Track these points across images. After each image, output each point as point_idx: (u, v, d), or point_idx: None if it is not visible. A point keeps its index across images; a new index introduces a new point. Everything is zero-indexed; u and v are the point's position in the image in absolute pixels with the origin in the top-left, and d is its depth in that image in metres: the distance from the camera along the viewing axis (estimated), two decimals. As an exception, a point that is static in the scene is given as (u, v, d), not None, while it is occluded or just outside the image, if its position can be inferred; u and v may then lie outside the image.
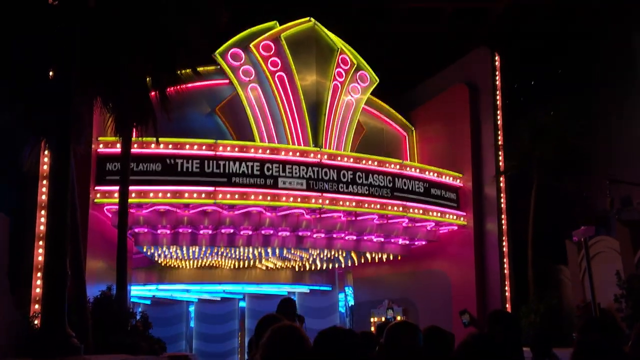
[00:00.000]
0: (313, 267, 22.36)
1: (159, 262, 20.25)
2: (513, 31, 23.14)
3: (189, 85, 16.93)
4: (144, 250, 17.64)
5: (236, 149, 15.66)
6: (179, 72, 11.79)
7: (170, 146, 15.17)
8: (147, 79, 11.42)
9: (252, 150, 15.83)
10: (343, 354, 3.17)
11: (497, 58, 19.57)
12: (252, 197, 15.41)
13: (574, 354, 3.46)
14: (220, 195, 15.13)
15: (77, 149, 10.18)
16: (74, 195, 10.22)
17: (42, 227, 11.61)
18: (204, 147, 15.35)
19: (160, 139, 14.84)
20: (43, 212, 12.10)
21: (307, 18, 18.44)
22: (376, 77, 19.41)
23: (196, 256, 19.70)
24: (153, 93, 12.20)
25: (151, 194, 14.80)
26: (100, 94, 10.47)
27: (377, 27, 22.96)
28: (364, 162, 17.08)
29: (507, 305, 18.05)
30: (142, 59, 10.38)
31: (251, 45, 17.55)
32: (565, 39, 22.45)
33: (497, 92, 19.30)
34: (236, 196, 15.29)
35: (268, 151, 15.95)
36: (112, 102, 10.89)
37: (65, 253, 6.61)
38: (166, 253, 18.79)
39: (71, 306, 10.26)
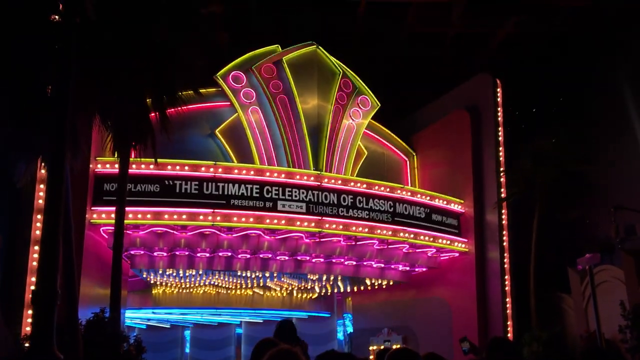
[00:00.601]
0: (311, 293, 22.03)
1: (155, 285, 19.94)
2: (514, 58, 23.17)
3: (190, 106, 16.95)
4: (140, 272, 17.35)
5: (235, 171, 15.48)
6: (178, 91, 11.63)
7: (169, 167, 14.99)
8: (147, 99, 11.27)
9: (252, 172, 15.65)
10: None
11: (498, 84, 19.57)
12: (251, 219, 15.18)
13: None
14: (218, 218, 14.91)
15: (74, 166, 10.02)
16: (68, 214, 10.01)
17: (36, 247, 11.43)
18: (202, 169, 15.18)
19: (160, 160, 14.71)
20: (38, 231, 11.94)
21: (310, 42, 18.46)
22: (377, 102, 19.36)
23: (192, 280, 19.40)
24: (153, 114, 12.08)
25: (149, 215, 14.58)
26: (98, 111, 10.33)
27: (379, 52, 22.99)
28: (364, 186, 16.88)
29: (509, 334, 17.71)
30: (140, 77, 10.27)
31: (253, 68, 17.52)
32: (566, 65, 22.47)
33: (499, 118, 19.24)
34: (234, 218, 15.07)
35: (267, 174, 15.78)
36: (110, 120, 10.75)
37: (55, 273, 6.38)
38: (162, 276, 18.50)
39: (63, 328, 10.01)
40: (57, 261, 6.45)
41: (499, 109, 19.27)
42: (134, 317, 22.67)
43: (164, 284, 19.24)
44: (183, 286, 19.80)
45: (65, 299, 10.04)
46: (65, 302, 10.03)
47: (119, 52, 9.96)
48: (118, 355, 10.25)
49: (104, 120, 10.80)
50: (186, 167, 15.08)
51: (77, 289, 10.55)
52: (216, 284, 19.88)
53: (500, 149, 18.98)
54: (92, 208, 14.43)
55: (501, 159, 18.92)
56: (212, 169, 15.17)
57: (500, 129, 19.12)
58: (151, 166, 14.73)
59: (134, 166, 14.61)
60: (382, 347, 19.28)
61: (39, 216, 12.14)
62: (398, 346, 19.47)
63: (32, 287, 11.11)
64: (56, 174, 6.88)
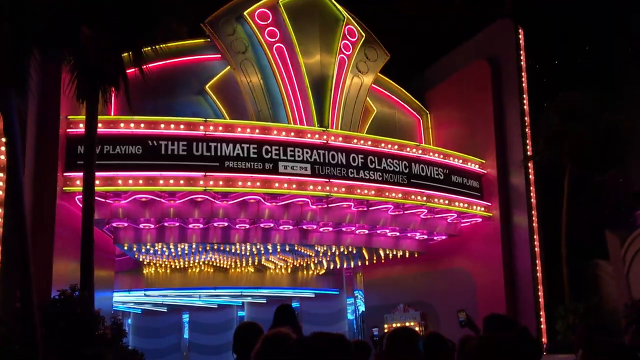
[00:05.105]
0: (319, 268, 20.21)
1: (145, 263, 18.05)
2: (534, 4, 21.07)
3: (176, 59, 15.09)
4: (125, 248, 15.48)
5: (229, 129, 13.52)
6: (156, 22, 9.63)
7: (152, 125, 13.04)
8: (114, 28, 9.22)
9: (248, 130, 13.69)
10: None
11: (520, 31, 17.54)
12: (249, 183, 13.26)
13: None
14: (211, 182, 12.97)
15: (23, 109, 8.11)
16: (17, 171, 8.08)
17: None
18: (191, 127, 13.22)
19: (142, 117, 12.94)
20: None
21: (309, -16, 16.36)
22: (387, 52, 17.36)
23: (186, 255, 17.50)
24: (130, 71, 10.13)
25: (130, 181, 12.64)
26: (52, 42, 8.33)
27: (387, 5, 20.90)
28: (396, 147, 15.03)
29: (541, 307, 15.94)
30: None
31: (245, 14, 15.45)
32: (593, 15, 20.45)
33: (522, 69, 17.26)
34: (230, 183, 13.14)
35: (266, 131, 13.82)
36: (73, 55, 8.76)
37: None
38: (151, 252, 16.61)
39: (16, 312, 8.15)
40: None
41: (521, 57, 17.27)
42: (126, 300, 20.91)
43: (153, 257, 17.26)
44: (175, 258, 17.82)
45: (18, 277, 8.16)
46: (19, 282, 8.14)
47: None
48: (89, 341, 8.36)
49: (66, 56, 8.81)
50: (172, 125, 13.12)
51: (29, 263, 8.52)
52: (223, 254, 17.90)
53: (525, 101, 17.03)
54: (65, 174, 12.48)
55: (526, 113, 16.97)
56: (202, 127, 13.23)
57: (524, 79, 17.16)
58: (132, 125, 12.88)
59: (111, 125, 12.85)
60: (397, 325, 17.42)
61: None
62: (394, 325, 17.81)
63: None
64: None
